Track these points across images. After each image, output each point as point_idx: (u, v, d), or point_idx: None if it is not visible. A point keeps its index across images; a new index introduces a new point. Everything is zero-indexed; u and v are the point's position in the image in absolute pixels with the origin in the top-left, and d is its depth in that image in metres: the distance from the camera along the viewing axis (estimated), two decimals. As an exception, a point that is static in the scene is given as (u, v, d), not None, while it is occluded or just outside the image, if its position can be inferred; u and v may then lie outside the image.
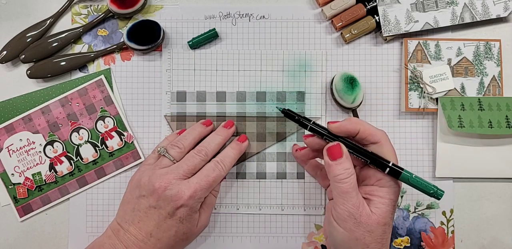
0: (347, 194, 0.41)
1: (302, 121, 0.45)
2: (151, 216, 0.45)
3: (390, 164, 0.41)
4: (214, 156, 0.49)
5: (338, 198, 0.41)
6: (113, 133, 0.54)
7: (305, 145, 0.48)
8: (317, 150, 0.47)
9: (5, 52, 0.54)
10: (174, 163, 0.47)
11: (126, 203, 0.47)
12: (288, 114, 0.46)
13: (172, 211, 0.45)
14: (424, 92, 0.52)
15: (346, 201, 0.41)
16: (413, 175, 0.41)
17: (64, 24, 0.56)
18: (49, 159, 0.53)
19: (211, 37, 0.54)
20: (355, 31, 0.53)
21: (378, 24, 0.53)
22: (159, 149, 0.49)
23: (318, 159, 0.52)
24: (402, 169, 0.42)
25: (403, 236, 0.53)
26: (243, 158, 0.53)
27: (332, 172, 0.41)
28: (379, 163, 0.42)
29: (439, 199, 0.41)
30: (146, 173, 0.47)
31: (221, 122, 0.53)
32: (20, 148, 0.54)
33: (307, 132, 0.47)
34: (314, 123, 0.45)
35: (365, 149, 0.43)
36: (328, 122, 0.43)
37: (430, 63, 0.53)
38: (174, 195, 0.44)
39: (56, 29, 0.56)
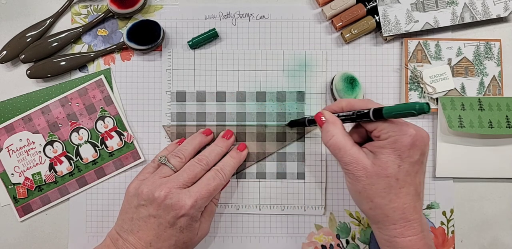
0: (339, 151, 0.41)
1: (307, 120, 0.48)
2: (151, 225, 0.44)
3: (371, 110, 0.39)
4: (213, 165, 0.49)
5: (335, 156, 0.42)
6: (113, 133, 0.54)
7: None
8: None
9: (5, 52, 0.54)
10: (175, 172, 0.47)
11: (124, 212, 0.47)
12: (294, 124, 0.51)
13: (172, 220, 0.44)
14: (424, 92, 0.52)
15: (340, 159, 0.41)
16: (391, 107, 0.38)
17: (64, 24, 0.56)
18: (49, 159, 0.53)
19: (211, 37, 0.54)
20: (355, 31, 0.53)
21: (378, 24, 0.53)
22: (159, 158, 0.48)
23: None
24: (382, 107, 0.39)
25: (403, 236, 0.53)
26: (242, 167, 0.53)
27: (322, 138, 0.43)
28: (362, 114, 0.40)
29: (426, 111, 0.36)
30: (145, 182, 0.46)
31: (221, 129, 0.53)
32: (20, 148, 0.54)
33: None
34: (310, 118, 0.47)
35: (351, 114, 0.42)
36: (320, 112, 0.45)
37: (430, 63, 0.53)
38: (175, 204, 0.44)
39: (56, 29, 0.56)
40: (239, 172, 0.53)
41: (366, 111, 0.40)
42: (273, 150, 0.53)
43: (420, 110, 0.36)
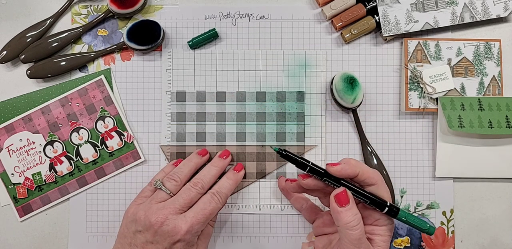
0: (359, 241, 0.40)
1: (300, 162, 0.43)
2: None
3: (388, 205, 0.42)
4: (210, 187, 0.49)
5: (349, 245, 0.40)
6: (113, 133, 0.54)
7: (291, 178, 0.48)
8: (311, 190, 0.46)
9: (5, 52, 0.54)
10: (171, 196, 0.47)
11: (123, 236, 0.47)
12: (285, 155, 0.43)
13: (169, 246, 0.44)
14: (424, 92, 0.52)
15: (358, 248, 0.40)
16: (407, 214, 0.43)
17: (64, 24, 0.56)
18: (49, 159, 0.53)
19: (211, 37, 0.54)
20: (355, 31, 0.53)
21: (378, 24, 0.53)
22: (155, 182, 0.48)
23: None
24: (398, 208, 0.42)
25: (403, 236, 0.53)
26: (240, 186, 0.53)
27: (343, 219, 0.40)
28: (377, 203, 0.42)
29: (431, 234, 0.44)
30: (142, 208, 0.46)
31: (218, 149, 0.52)
32: (20, 148, 0.54)
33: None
34: (313, 164, 0.43)
35: (364, 190, 0.43)
36: (327, 164, 0.42)
37: (430, 63, 0.53)
38: (171, 230, 0.44)
39: (56, 29, 0.56)
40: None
41: (381, 202, 0.42)
42: (273, 170, 0.53)
43: (431, 231, 0.43)
